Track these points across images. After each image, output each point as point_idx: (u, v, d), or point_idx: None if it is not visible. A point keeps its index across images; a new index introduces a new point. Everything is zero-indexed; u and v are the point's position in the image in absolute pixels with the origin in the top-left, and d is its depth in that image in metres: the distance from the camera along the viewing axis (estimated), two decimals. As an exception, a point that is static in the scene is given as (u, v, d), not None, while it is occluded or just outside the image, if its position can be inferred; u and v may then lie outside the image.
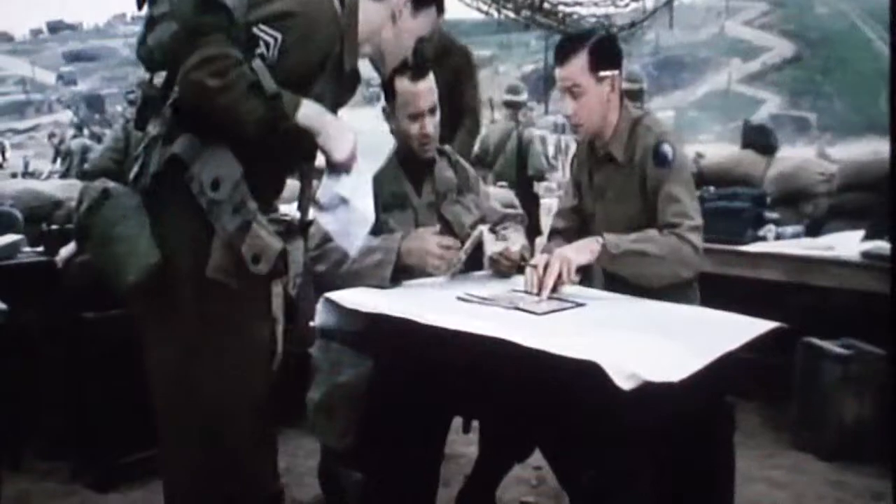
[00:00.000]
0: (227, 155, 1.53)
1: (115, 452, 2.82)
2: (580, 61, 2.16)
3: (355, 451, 2.12)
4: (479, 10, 6.35)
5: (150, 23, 1.54)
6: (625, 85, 5.72)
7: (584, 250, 2.03)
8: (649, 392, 1.35)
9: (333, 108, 1.67)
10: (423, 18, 1.77)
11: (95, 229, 1.54)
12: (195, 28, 1.49)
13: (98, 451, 2.86)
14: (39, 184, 4.71)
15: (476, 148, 6.11)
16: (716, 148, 4.92)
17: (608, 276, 2.19)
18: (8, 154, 24.25)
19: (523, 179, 5.71)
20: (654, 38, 40.38)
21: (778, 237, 3.63)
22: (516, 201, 4.88)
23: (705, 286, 3.66)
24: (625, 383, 1.33)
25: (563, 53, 2.19)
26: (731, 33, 49.86)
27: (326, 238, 2.14)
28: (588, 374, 1.37)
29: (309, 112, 1.55)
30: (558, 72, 2.21)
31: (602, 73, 2.18)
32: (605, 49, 2.20)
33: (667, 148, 2.16)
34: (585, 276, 2.19)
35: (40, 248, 3.15)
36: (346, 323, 1.95)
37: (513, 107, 5.92)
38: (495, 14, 6.26)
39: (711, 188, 3.96)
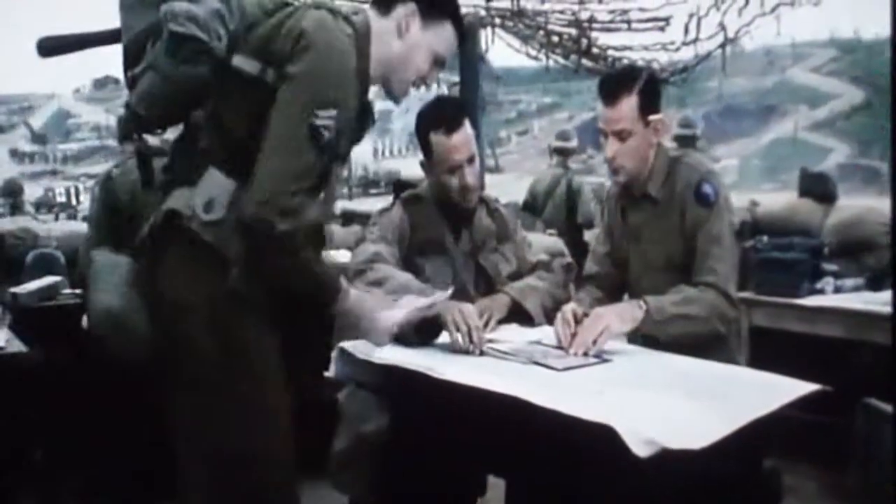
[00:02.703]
0: (216, 176, 1.51)
1: (147, 498, 2.79)
2: (630, 104, 2.06)
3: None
4: (527, 55, 6.38)
5: (133, 82, 1.54)
6: (679, 131, 5.65)
7: (626, 317, 1.93)
8: (671, 457, 1.25)
9: (349, 145, 1.62)
10: (435, 32, 1.66)
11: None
12: (171, 70, 1.48)
13: (131, 496, 2.83)
14: (85, 226, 4.81)
15: (525, 194, 6.06)
16: (775, 196, 4.76)
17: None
18: (82, 198, 25.18)
19: (572, 227, 5.60)
20: (717, 84, 40.02)
21: (837, 290, 3.46)
22: (565, 249, 4.79)
23: (757, 340, 3.53)
24: (641, 449, 1.23)
25: (613, 93, 2.08)
26: (798, 80, 49.11)
27: (374, 258, 2.11)
28: (605, 437, 1.28)
29: (353, 301, 1.61)
30: (605, 112, 2.09)
31: (651, 118, 2.09)
32: (653, 91, 2.11)
33: (709, 187, 2.08)
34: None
35: (80, 290, 3.19)
36: (361, 374, 1.88)
37: (562, 153, 5.83)
38: (544, 60, 6.27)
39: (765, 238, 3.80)
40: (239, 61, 1.51)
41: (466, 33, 6.06)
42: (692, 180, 2.09)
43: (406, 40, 1.63)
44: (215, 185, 1.51)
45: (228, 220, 1.49)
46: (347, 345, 1.86)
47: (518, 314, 2.23)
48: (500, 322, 2.19)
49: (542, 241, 4.76)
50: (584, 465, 1.45)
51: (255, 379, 1.51)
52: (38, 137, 50.72)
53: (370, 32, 1.61)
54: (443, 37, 1.68)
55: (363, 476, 2.03)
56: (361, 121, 1.63)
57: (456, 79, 6.10)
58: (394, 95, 1.72)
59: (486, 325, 2.13)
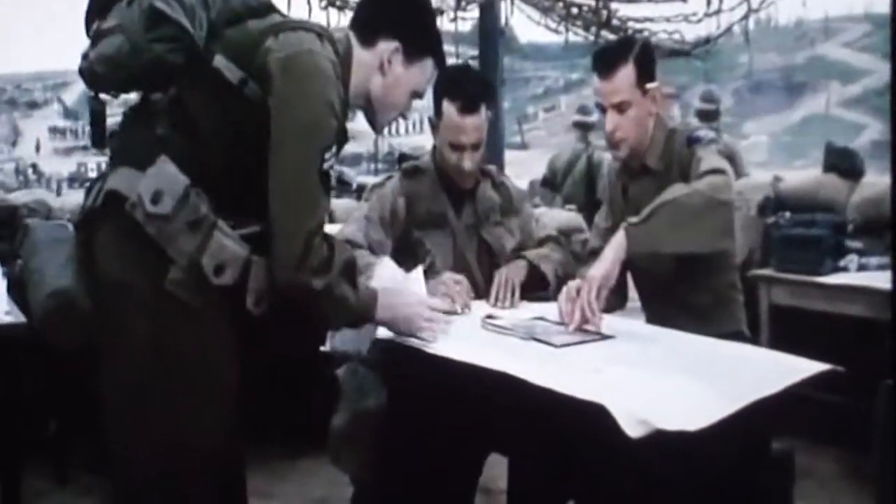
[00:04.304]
0: (168, 168, 1.43)
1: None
2: (627, 74, 2.04)
3: (379, 485, 2.02)
4: (547, 27, 6.28)
5: (97, 37, 1.47)
6: (700, 105, 5.54)
7: (606, 255, 1.85)
8: (665, 438, 1.19)
9: None
10: (417, 70, 1.65)
11: (21, 269, 1.50)
12: (143, 43, 1.41)
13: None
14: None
15: (544, 170, 5.98)
16: (804, 174, 4.63)
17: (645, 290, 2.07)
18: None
19: (592, 202, 5.52)
20: (748, 60, 39.33)
21: (861, 268, 3.35)
22: (584, 225, 4.72)
23: (778, 319, 3.44)
24: (633, 430, 1.17)
25: (608, 65, 2.06)
26: (831, 55, 48.12)
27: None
28: (602, 416, 1.23)
29: (383, 304, 1.61)
30: (602, 85, 2.07)
31: (648, 86, 2.06)
32: (649, 59, 2.09)
33: (700, 132, 2.10)
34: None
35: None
36: (358, 348, 1.85)
37: (583, 128, 5.74)
38: (563, 32, 6.15)
39: (787, 213, 3.70)
40: (220, 63, 1.45)
41: (485, 5, 5.94)
42: (684, 138, 2.09)
43: (388, 77, 1.62)
44: (166, 176, 1.42)
45: (176, 216, 1.41)
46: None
47: (534, 281, 2.21)
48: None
49: (561, 217, 4.70)
50: (582, 443, 1.41)
51: (187, 377, 1.45)
52: (71, 113, 51.17)
53: (352, 57, 1.59)
54: (424, 73, 1.68)
55: (362, 452, 2.01)
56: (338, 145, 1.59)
57: (475, 52, 6.00)
58: (374, 126, 1.72)
59: (512, 292, 2.12)
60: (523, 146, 36.60)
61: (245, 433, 1.60)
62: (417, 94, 1.69)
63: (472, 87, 2.18)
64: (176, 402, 1.44)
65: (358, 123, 1.95)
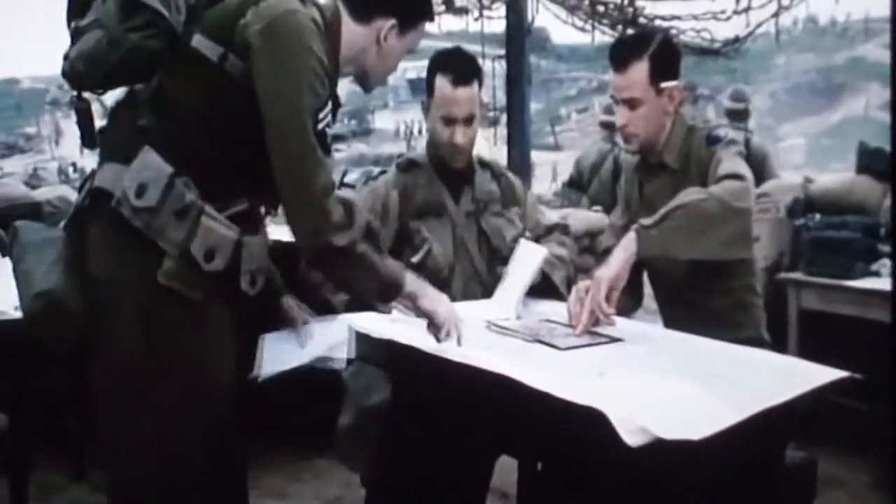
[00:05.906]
0: (151, 158, 1.41)
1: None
2: (640, 70, 1.99)
3: (385, 483, 1.98)
4: (574, 26, 6.21)
5: (76, 35, 1.46)
6: (729, 104, 5.42)
7: (615, 257, 1.79)
8: (668, 444, 1.13)
9: None
10: (411, 37, 1.63)
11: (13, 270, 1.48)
12: (120, 34, 1.40)
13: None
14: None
15: (571, 170, 5.90)
16: (837, 176, 4.50)
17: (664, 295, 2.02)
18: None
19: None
20: (785, 61, 38.75)
21: (895, 273, 3.25)
22: (610, 226, 4.64)
23: (807, 324, 3.35)
24: (632, 438, 1.11)
25: (622, 59, 2.02)
26: (871, 57, 47.29)
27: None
28: (600, 421, 1.17)
29: (411, 277, 1.58)
30: (615, 79, 2.04)
31: (663, 85, 2.00)
32: (667, 56, 2.02)
33: (720, 131, 2.03)
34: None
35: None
36: (362, 347, 1.82)
37: (609, 128, 5.64)
38: (590, 30, 6.07)
39: (817, 215, 3.60)
40: (198, 42, 1.42)
41: (511, 4, 5.86)
42: (703, 135, 2.03)
43: (383, 48, 1.59)
44: (150, 167, 1.40)
45: (162, 208, 1.39)
46: (347, 317, 1.80)
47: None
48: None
49: (588, 218, 4.63)
50: (584, 447, 1.35)
51: (182, 370, 1.43)
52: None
53: (340, 23, 1.56)
54: (417, 36, 1.65)
55: (369, 450, 1.99)
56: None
57: (502, 52, 5.94)
58: (366, 89, 1.71)
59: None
60: (556, 147, 36.52)
61: (245, 424, 1.58)
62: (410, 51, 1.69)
63: (463, 61, 2.19)
64: (171, 396, 1.42)
65: (387, 123, 1.92)
